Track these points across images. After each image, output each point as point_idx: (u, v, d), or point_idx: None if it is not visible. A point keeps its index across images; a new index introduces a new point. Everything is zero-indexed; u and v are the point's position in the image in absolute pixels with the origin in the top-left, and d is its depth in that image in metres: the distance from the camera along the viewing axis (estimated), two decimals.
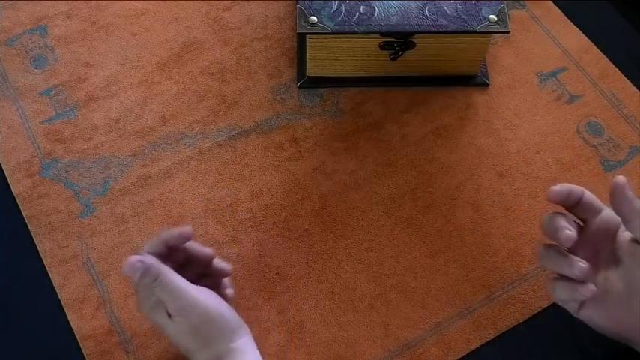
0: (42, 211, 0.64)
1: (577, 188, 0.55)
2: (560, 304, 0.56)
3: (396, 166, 0.68)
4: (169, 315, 0.52)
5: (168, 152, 0.68)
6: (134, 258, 0.53)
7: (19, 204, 0.65)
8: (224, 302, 0.55)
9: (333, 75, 0.72)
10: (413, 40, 0.67)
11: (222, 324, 0.53)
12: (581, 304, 0.54)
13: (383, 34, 0.66)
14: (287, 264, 0.63)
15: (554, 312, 0.61)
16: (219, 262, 0.58)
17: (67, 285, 0.61)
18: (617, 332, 0.54)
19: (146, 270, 0.52)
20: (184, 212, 0.65)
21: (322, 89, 0.72)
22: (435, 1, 0.66)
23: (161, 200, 0.66)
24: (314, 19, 0.65)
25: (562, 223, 0.53)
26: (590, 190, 0.68)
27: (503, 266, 0.63)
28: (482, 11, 0.66)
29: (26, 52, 0.74)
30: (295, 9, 0.68)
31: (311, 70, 0.72)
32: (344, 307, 0.61)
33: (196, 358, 0.53)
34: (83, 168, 0.67)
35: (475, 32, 0.65)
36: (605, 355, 0.60)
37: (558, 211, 0.55)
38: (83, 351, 0.58)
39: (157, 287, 0.52)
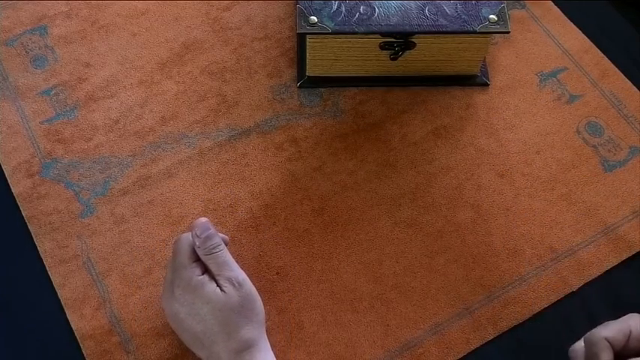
0: (42, 211, 0.64)
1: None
2: None
3: (396, 166, 0.68)
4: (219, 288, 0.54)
5: (169, 152, 0.68)
6: (205, 219, 0.56)
7: (19, 204, 0.65)
8: None
9: (333, 75, 0.72)
10: (413, 40, 0.67)
11: (260, 308, 0.56)
12: None
13: (383, 34, 0.66)
14: (287, 264, 0.63)
15: (554, 312, 0.62)
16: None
17: (67, 285, 0.61)
18: None
19: (214, 234, 0.56)
20: (184, 212, 0.65)
21: (322, 89, 0.72)
22: (435, 1, 0.66)
23: (161, 200, 0.66)
24: (314, 19, 0.65)
25: None
26: (590, 191, 0.68)
27: (503, 266, 0.63)
28: (482, 11, 0.66)
29: (26, 52, 0.74)
30: (295, 9, 0.68)
31: (311, 70, 0.72)
32: (344, 307, 0.61)
33: (224, 345, 0.53)
34: (83, 168, 0.67)
35: (475, 32, 0.65)
36: None
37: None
38: (83, 351, 0.58)
39: (218, 253, 0.55)
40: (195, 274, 0.54)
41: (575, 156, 0.69)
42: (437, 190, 0.67)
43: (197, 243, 0.55)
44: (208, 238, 0.55)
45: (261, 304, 0.56)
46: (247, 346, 0.53)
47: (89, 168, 0.67)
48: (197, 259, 0.56)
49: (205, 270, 0.56)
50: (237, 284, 0.54)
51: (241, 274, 0.55)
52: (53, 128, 0.69)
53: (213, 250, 0.55)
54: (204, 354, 0.54)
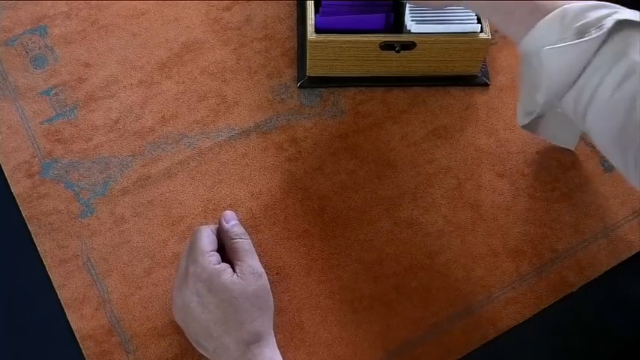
0: (42, 211, 0.64)
1: None
2: None
3: (396, 166, 0.68)
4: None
5: (169, 152, 0.68)
6: (232, 211, 0.61)
7: (19, 204, 0.65)
8: None
9: (333, 75, 0.72)
10: (413, 40, 0.67)
11: (272, 305, 0.57)
12: None
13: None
14: (287, 264, 0.63)
15: (554, 312, 0.62)
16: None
17: (67, 285, 0.61)
18: None
19: (239, 224, 0.60)
20: (184, 212, 0.65)
21: (322, 89, 0.72)
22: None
23: (161, 200, 0.66)
24: None
25: None
26: (590, 191, 0.68)
27: (503, 266, 0.63)
28: None
29: (26, 52, 0.74)
30: (295, 9, 0.68)
31: (311, 70, 0.72)
32: (344, 307, 0.61)
33: (235, 335, 0.53)
34: (83, 168, 0.67)
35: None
36: (605, 355, 0.60)
37: None
38: (83, 351, 0.58)
39: (244, 239, 0.58)
40: (212, 262, 0.55)
41: (575, 156, 0.69)
42: (437, 190, 0.67)
43: (225, 227, 0.59)
44: (236, 225, 0.59)
45: (273, 301, 0.57)
46: (257, 339, 0.53)
47: (89, 168, 0.67)
48: (214, 249, 0.57)
49: (222, 261, 0.56)
50: (257, 274, 0.56)
51: (261, 267, 0.57)
52: (53, 128, 0.69)
53: (242, 237, 0.58)
54: (212, 346, 0.54)
